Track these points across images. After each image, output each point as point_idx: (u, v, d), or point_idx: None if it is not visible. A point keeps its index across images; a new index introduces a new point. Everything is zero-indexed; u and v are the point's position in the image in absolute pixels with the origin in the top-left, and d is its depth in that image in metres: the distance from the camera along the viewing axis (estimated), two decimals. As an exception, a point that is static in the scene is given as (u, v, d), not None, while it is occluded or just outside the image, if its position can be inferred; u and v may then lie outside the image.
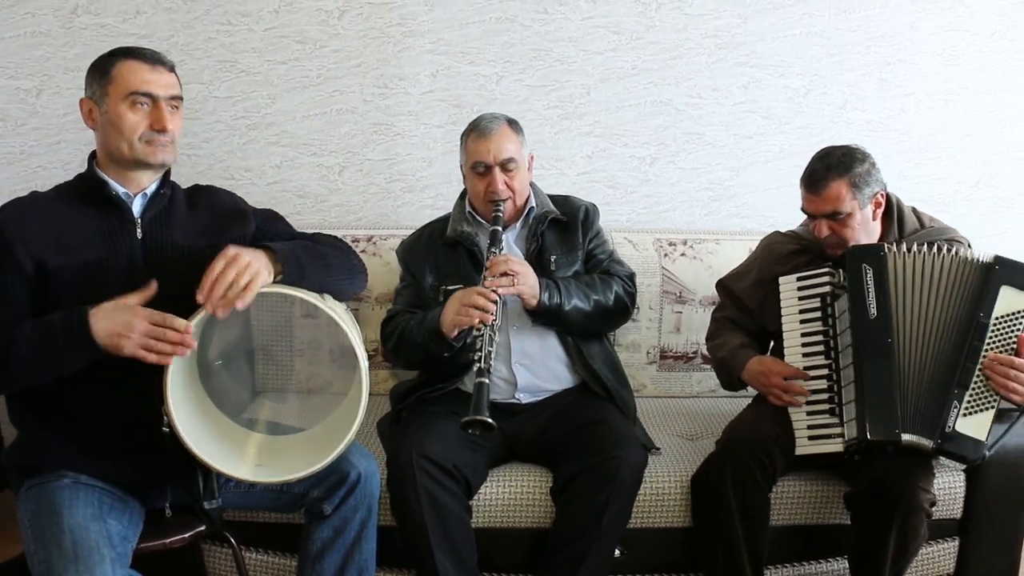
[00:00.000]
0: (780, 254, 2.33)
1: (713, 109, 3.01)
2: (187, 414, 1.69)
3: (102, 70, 1.78)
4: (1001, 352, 1.99)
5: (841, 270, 2.14)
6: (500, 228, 2.25)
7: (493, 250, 2.20)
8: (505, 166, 2.28)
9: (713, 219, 3.08)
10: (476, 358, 2.00)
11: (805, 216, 2.22)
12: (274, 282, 1.71)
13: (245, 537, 2.19)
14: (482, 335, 2.04)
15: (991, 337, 1.99)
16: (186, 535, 1.87)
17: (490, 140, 2.28)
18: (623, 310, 2.40)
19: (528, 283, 2.20)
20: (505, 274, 2.15)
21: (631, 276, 2.45)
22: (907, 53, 3.00)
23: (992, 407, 1.98)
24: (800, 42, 2.98)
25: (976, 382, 1.98)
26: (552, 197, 2.48)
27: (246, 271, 1.64)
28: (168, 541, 1.84)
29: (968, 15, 2.98)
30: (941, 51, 3.00)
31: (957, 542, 2.32)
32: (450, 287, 2.29)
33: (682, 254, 2.81)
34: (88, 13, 2.85)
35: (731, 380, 2.32)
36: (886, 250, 2.09)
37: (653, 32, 2.95)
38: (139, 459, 1.76)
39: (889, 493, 1.97)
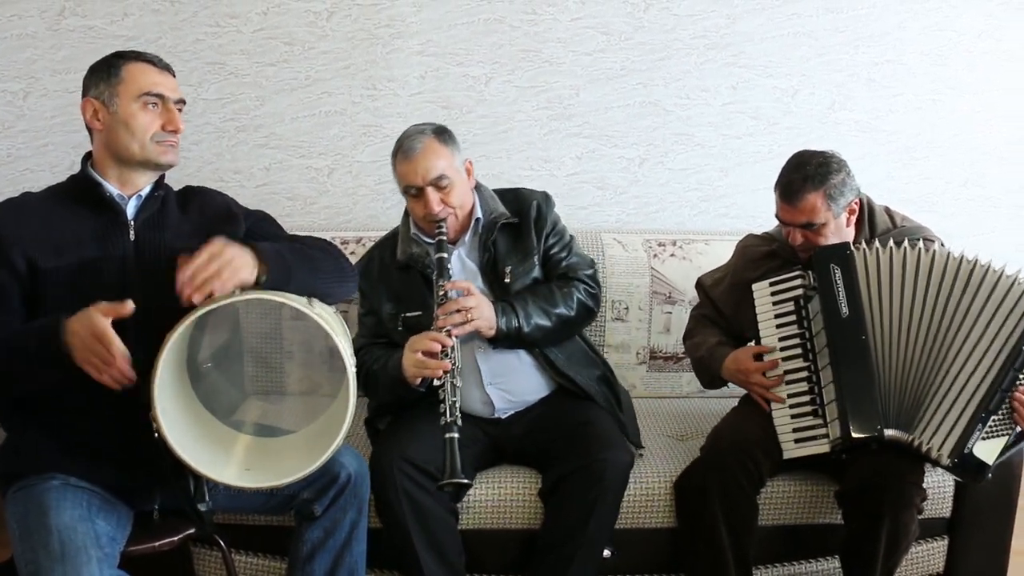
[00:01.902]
0: (753, 257, 2.34)
1: (702, 110, 3.01)
2: (175, 418, 1.67)
3: (109, 71, 1.78)
4: None
5: (811, 272, 2.14)
6: (445, 255, 2.13)
7: (441, 282, 2.10)
8: (437, 184, 2.16)
9: (702, 219, 3.09)
10: (440, 411, 1.93)
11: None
12: (259, 282, 1.70)
13: (234, 540, 2.18)
14: (443, 385, 1.97)
15: None
16: (175, 538, 1.86)
17: (416, 161, 2.15)
18: (587, 315, 2.33)
19: (483, 315, 2.11)
20: (458, 310, 2.07)
21: (592, 275, 2.37)
22: (895, 53, 3.01)
23: (1008, 434, 1.98)
24: (788, 42, 2.98)
25: (1002, 409, 1.98)
26: (502, 192, 2.37)
27: (228, 266, 1.63)
28: (157, 544, 1.84)
29: (955, 15, 2.99)
30: (928, 51, 3.01)
31: (946, 541, 2.32)
32: (409, 314, 2.20)
33: (671, 255, 2.81)
34: (75, 15, 2.84)
35: (711, 379, 2.33)
36: (852, 249, 2.10)
37: (642, 33, 2.95)
38: (129, 464, 1.75)
39: (879, 490, 1.98)
